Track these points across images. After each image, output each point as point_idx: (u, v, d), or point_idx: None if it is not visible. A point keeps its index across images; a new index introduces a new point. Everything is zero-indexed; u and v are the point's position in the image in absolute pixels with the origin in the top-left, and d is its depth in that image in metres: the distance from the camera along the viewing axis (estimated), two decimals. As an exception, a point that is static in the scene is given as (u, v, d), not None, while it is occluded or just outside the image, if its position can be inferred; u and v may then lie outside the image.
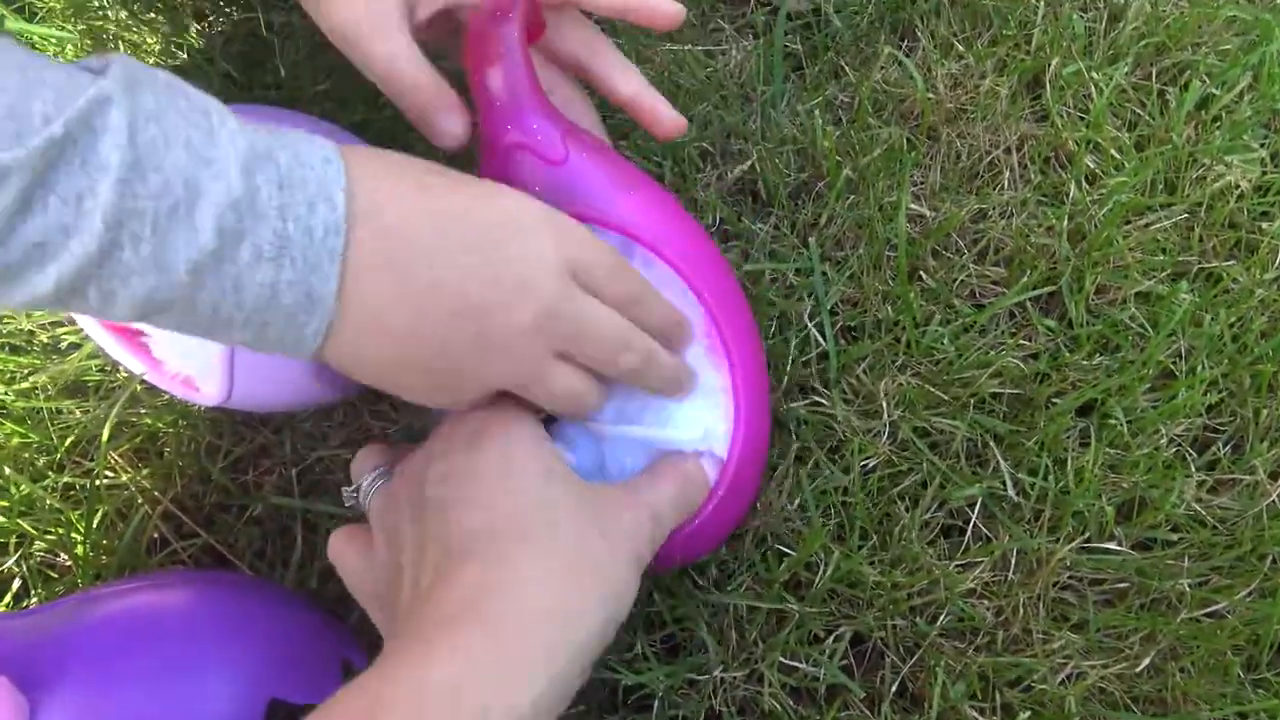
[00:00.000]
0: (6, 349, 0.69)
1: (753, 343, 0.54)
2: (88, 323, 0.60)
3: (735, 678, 0.58)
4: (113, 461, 0.66)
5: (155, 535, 0.65)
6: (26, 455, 0.67)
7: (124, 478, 0.66)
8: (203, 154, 0.39)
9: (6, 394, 0.68)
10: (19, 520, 0.64)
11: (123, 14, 0.78)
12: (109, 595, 0.58)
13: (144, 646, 0.53)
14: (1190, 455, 0.62)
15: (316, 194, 0.41)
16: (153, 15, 0.78)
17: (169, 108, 0.39)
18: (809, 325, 0.65)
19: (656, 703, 0.58)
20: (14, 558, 0.64)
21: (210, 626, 0.55)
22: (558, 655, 0.40)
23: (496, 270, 0.44)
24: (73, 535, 0.64)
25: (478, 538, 0.43)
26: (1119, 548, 0.60)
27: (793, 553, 0.60)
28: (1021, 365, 0.63)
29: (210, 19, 0.78)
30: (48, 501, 0.64)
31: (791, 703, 0.58)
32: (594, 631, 0.42)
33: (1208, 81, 0.70)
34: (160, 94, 0.39)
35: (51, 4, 0.81)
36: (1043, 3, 0.72)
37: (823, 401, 0.63)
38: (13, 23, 0.79)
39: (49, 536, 0.64)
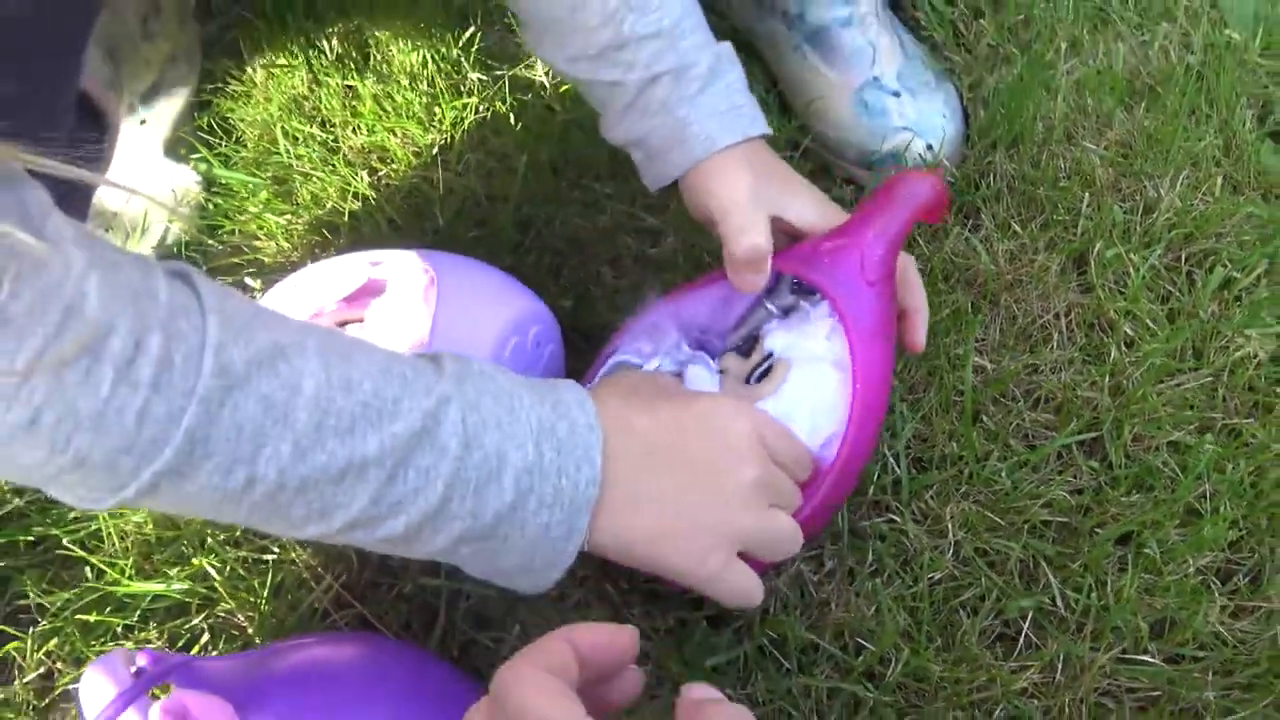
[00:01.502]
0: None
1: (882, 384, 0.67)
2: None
3: (817, 754, 0.68)
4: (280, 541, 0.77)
5: (318, 606, 0.76)
6: (208, 532, 0.79)
7: (291, 554, 0.77)
8: (509, 432, 0.53)
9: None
10: (206, 585, 0.75)
11: (301, 154, 0.94)
12: (292, 648, 0.69)
13: (321, 685, 0.64)
14: (1215, 583, 0.72)
15: (582, 457, 0.54)
16: (331, 167, 0.93)
17: (485, 394, 0.53)
18: (887, 454, 0.76)
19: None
20: (198, 618, 0.75)
21: (368, 673, 0.65)
22: None
23: (713, 453, 0.58)
24: (253, 599, 0.75)
25: None
26: (1152, 660, 0.69)
27: (871, 647, 0.69)
28: (1068, 498, 0.74)
29: (381, 173, 0.93)
30: (232, 568, 0.76)
31: (865, 779, 0.67)
32: None
33: (1229, 266, 0.83)
34: (480, 384, 0.54)
35: (245, 154, 0.96)
36: (1087, 194, 0.85)
37: (896, 519, 0.74)
38: (219, 169, 0.94)
39: (237, 598, 0.75)
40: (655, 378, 0.67)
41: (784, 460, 0.62)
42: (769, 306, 0.70)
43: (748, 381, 0.68)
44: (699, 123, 0.68)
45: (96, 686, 0.64)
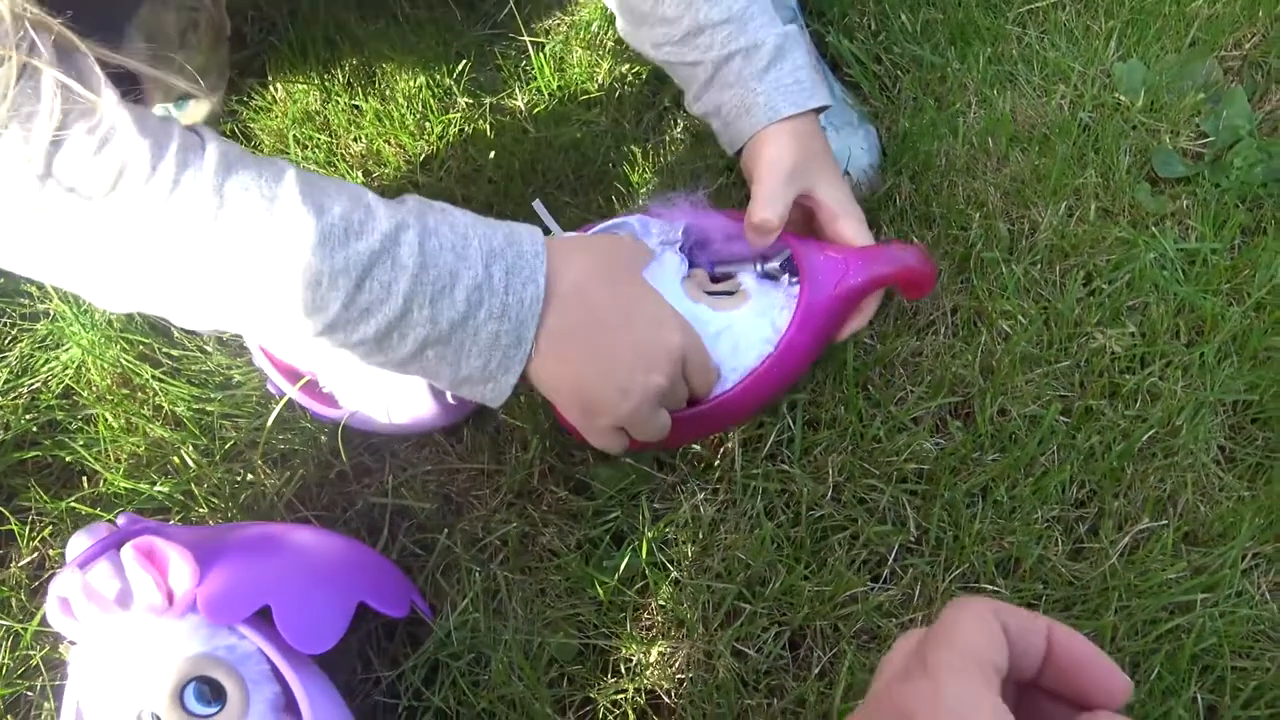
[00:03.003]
0: (189, 382, 0.94)
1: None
2: (259, 358, 0.85)
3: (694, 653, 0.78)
4: (257, 464, 0.89)
5: (279, 517, 0.87)
6: (193, 454, 0.90)
7: (262, 477, 0.89)
8: (462, 254, 0.64)
9: (187, 411, 0.92)
10: (185, 493, 0.87)
11: (308, 156, 1.08)
12: (249, 525, 0.80)
13: (278, 548, 0.75)
14: (1058, 530, 0.82)
15: (528, 278, 0.66)
16: (333, 167, 1.08)
17: (443, 224, 0.65)
18: (785, 415, 0.87)
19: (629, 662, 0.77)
20: (177, 519, 0.86)
21: (323, 545, 0.76)
22: None
23: (643, 348, 0.70)
24: (224, 506, 0.86)
25: None
26: (999, 590, 0.79)
27: (752, 563, 0.80)
28: (935, 452, 0.85)
29: (374, 174, 1.07)
30: (210, 483, 0.87)
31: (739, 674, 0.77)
32: None
33: (1098, 278, 0.95)
34: (439, 217, 0.66)
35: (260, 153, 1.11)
36: (978, 214, 0.98)
37: (787, 468, 0.85)
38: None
39: (210, 504, 0.86)
40: (634, 246, 0.78)
41: (692, 377, 0.73)
42: (758, 264, 0.82)
43: (708, 293, 0.81)
44: (765, 94, 0.80)
45: (80, 543, 0.76)
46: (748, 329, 0.78)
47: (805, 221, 0.85)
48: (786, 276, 0.81)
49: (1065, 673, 0.40)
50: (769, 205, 0.79)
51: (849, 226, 0.81)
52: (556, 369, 0.69)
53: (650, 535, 0.82)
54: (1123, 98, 1.08)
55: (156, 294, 0.62)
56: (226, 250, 0.60)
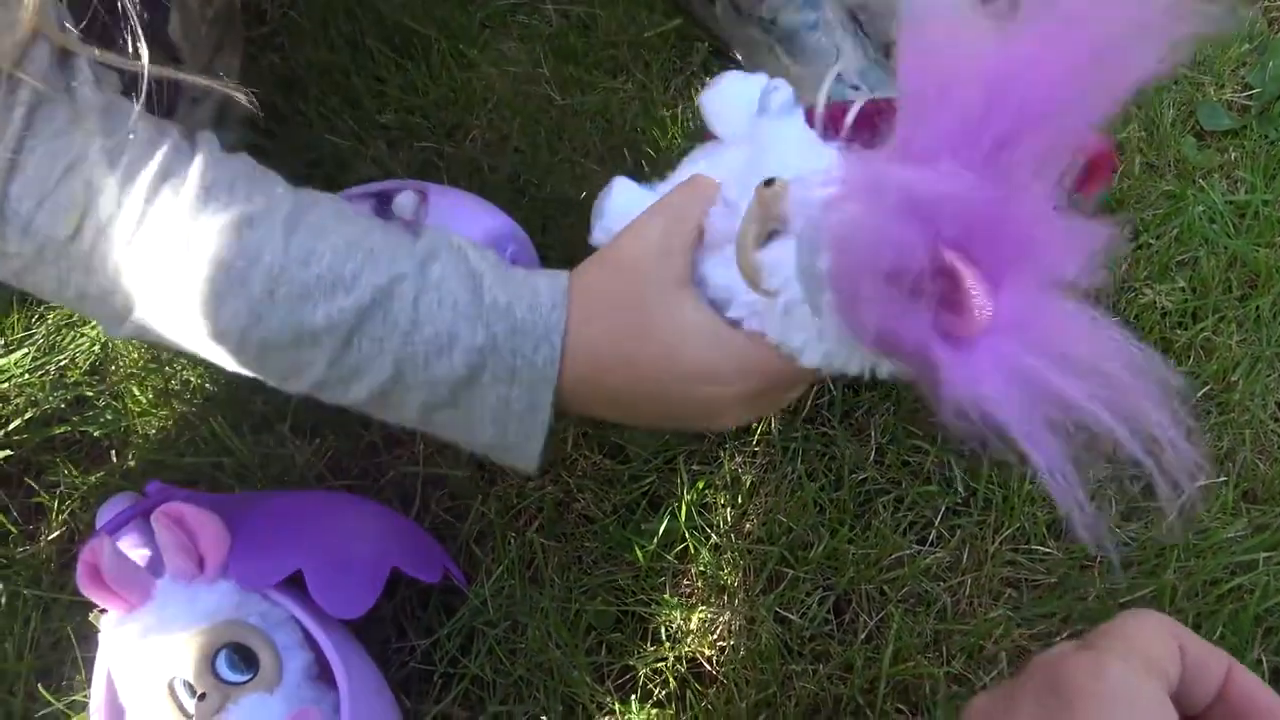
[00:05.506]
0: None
1: None
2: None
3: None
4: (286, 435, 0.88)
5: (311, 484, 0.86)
6: (223, 427, 0.89)
7: (288, 448, 0.87)
8: (463, 311, 0.55)
9: (213, 390, 0.91)
10: (215, 465, 0.86)
11: (335, 127, 1.07)
12: (278, 493, 0.79)
13: (309, 514, 0.73)
14: (1110, 489, 0.79)
15: (541, 338, 0.55)
16: (360, 140, 1.06)
17: (450, 275, 0.55)
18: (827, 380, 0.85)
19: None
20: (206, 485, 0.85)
21: (355, 510, 0.75)
22: None
23: (691, 407, 0.58)
24: (253, 478, 0.85)
25: None
26: (1050, 550, 0.77)
27: (795, 527, 0.78)
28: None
29: (400, 145, 1.06)
30: (242, 454, 0.86)
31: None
32: None
33: (1146, 233, 0.92)
34: (446, 263, 0.56)
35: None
36: (1020, 171, 0.96)
37: (829, 431, 0.83)
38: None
39: (240, 475, 0.85)
40: (663, 266, 0.57)
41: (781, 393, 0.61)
42: None
43: None
44: None
45: (110, 510, 0.75)
46: None
47: None
48: None
49: (1239, 716, 0.36)
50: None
51: None
52: (597, 412, 0.61)
53: (689, 499, 0.79)
54: (1165, 51, 1.05)
55: (143, 328, 0.57)
56: (199, 293, 0.54)
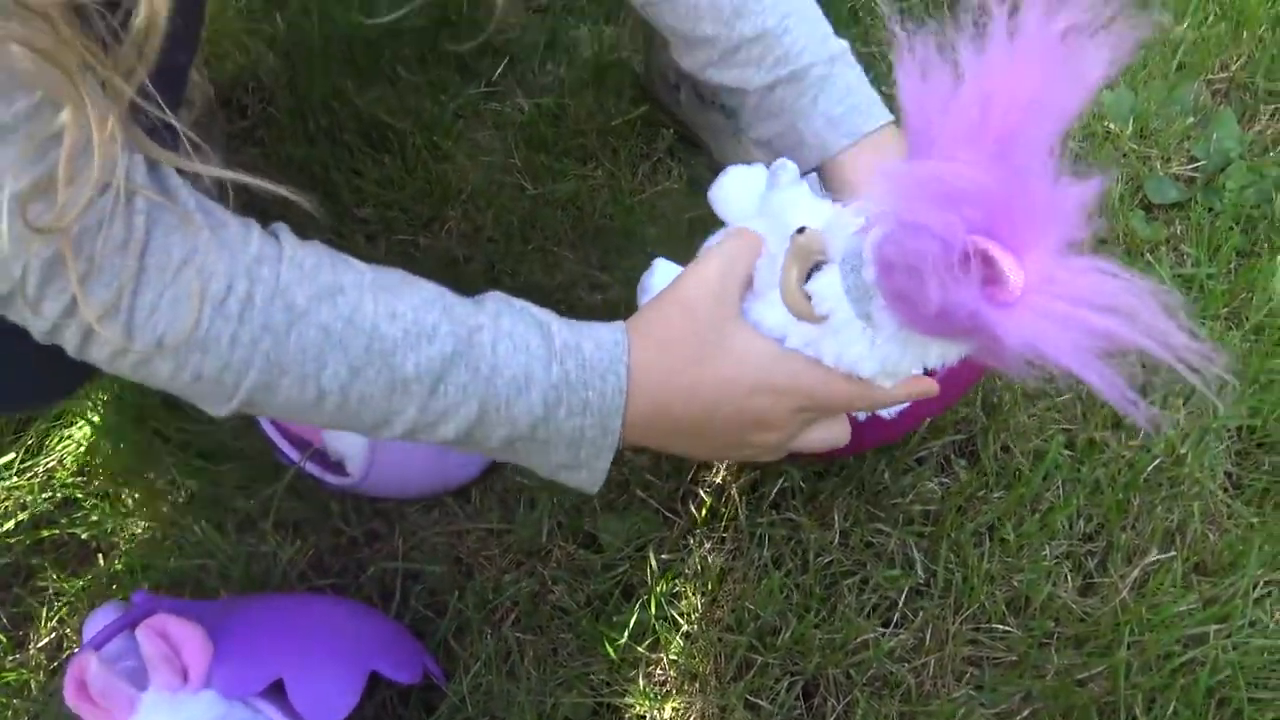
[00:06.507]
0: (199, 454, 0.96)
1: None
2: (268, 428, 0.87)
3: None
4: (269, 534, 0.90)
5: (294, 586, 0.88)
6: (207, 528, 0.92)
7: (277, 548, 0.90)
8: (537, 354, 0.61)
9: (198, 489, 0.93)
10: (200, 568, 0.88)
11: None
12: (260, 596, 0.81)
13: (289, 619, 0.76)
14: (1066, 566, 0.82)
15: (608, 369, 0.62)
16: (338, 232, 1.10)
17: (519, 323, 0.62)
18: (789, 467, 0.87)
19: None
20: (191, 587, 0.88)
21: (334, 614, 0.77)
22: None
23: (744, 428, 0.65)
24: (239, 577, 0.87)
25: None
26: (1010, 629, 0.79)
27: (762, 615, 0.80)
28: (940, 491, 0.85)
29: (377, 238, 1.09)
30: (226, 554, 0.89)
31: (752, 727, 0.77)
32: None
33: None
34: (515, 317, 0.62)
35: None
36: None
37: (794, 517, 0.85)
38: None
39: (225, 576, 0.87)
40: (717, 299, 0.64)
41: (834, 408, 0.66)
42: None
43: None
44: (811, 131, 0.74)
45: (97, 622, 0.77)
46: None
47: None
48: None
49: None
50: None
51: None
52: (660, 441, 0.67)
53: (659, 589, 0.82)
54: (1112, 126, 1.09)
55: (250, 401, 0.62)
56: (305, 357, 0.60)
